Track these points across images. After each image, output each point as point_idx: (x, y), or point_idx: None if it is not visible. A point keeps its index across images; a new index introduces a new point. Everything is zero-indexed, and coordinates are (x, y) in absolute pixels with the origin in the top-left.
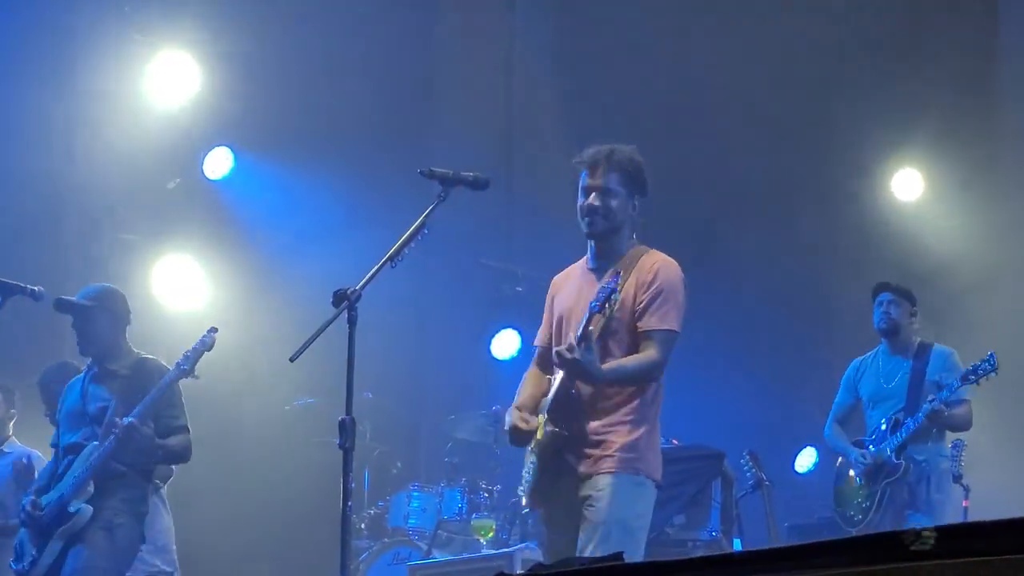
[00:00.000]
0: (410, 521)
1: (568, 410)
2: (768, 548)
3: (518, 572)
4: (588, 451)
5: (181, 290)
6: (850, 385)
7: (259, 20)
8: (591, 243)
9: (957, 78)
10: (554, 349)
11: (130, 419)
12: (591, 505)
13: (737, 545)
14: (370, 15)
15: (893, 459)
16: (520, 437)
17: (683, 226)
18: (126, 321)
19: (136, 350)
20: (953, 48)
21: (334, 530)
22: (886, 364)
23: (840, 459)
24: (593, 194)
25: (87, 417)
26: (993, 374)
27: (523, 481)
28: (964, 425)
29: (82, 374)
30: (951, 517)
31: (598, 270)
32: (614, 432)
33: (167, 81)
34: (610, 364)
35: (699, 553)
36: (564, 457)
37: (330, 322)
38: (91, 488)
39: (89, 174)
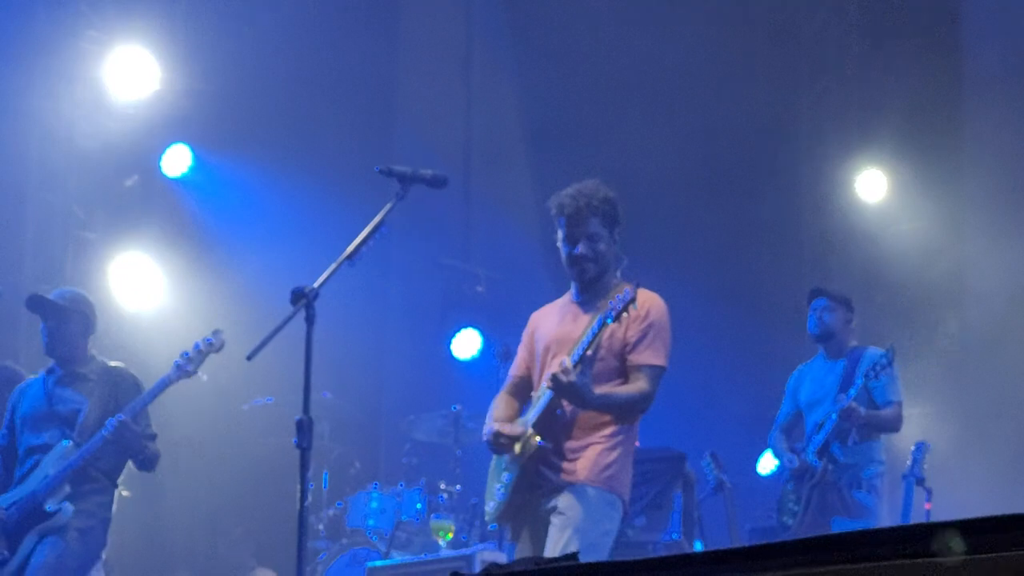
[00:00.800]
0: (369, 522)
1: (552, 429)
2: (726, 548)
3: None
4: (564, 464)
5: (139, 288)
6: (791, 392)
7: (217, 16)
8: (576, 283)
9: (921, 79)
10: (550, 370)
11: (122, 417)
12: (560, 514)
13: (698, 547)
14: (330, 13)
15: (815, 461)
16: (504, 443)
17: (644, 223)
18: (93, 329)
19: (100, 357)
20: (916, 48)
21: (291, 531)
22: (821, 369)
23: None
24: (580, 244)
25: (56, 418)
26: (889, 368)
27: (493, 498)
28: (891, 426)
29: (39, 377)
30: (880, 522)
31: (584, 303)
32: (591, 448)
33: (125, 77)
34: (602, 390)
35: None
36: (541, 471)
37: (288, 320)
38: (68, 488)
39: (46, 172)
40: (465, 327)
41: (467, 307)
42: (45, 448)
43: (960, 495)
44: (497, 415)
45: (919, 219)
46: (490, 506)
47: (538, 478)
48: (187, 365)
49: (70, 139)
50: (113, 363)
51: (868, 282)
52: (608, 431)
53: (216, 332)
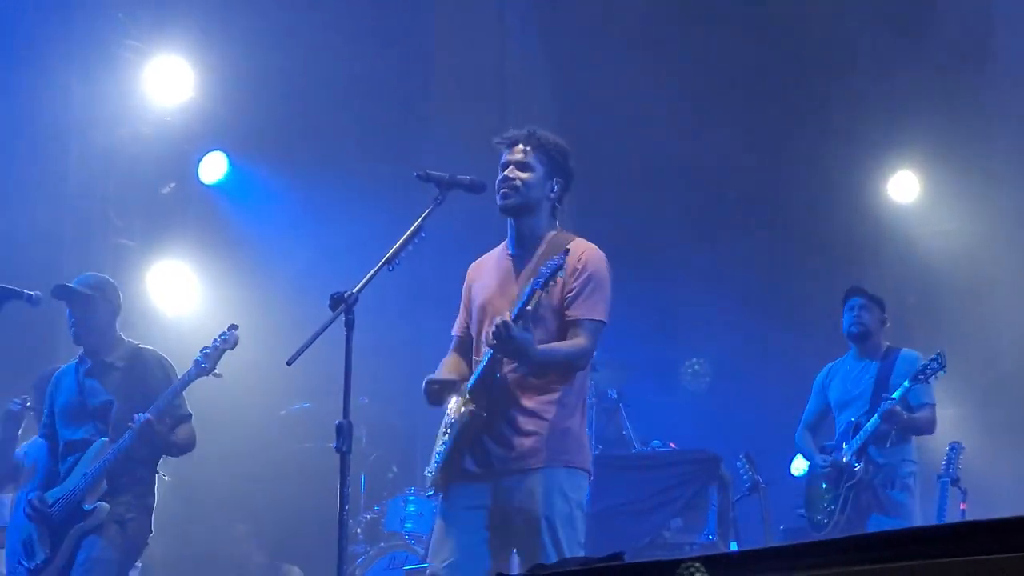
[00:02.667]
0: (406, 525)
1: (491, 392)
2: (761, 548)
3: (516, 573)
4: (515, 441)
5: (176, 295)
6: (820, 390)
7: (253, 25)
8: (510, 226)
9: (954, 80)
10: (490, 324)
11: (147, 416)
12: (527, 505)
13: (733, 548)
14: (365, 21)
15: (853, 462)
16: (435, 393)
17: (677, 226)
18: (118, 311)
19: (128, 339)
20: (949, 49)
21: (330, 535)
22: (854, 368)
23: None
24: (510, 167)
25: (88, 412)
26: (941, 372)
27: (432, 461)
28: (925, 429)
29: (72, 365)
30: (916, 520)
31: (518, 257)
32: (541, 422)
33: (162, 86)
34: (543, 346)
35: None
36: (485, 443)
37: (327, 326)
38: (105, 485)
39: (84, 179)
40: None
41: None
42: (83, 444)
43: (995, 495)
44: (441, 372)
45: (952, 221)
46: (428, 471)
47: (483, 450)
48: (204, 362)
49: (108, 147)
50: (143, 346)
51: (900, 284)
52: (555, 398)
53: (230, 328)
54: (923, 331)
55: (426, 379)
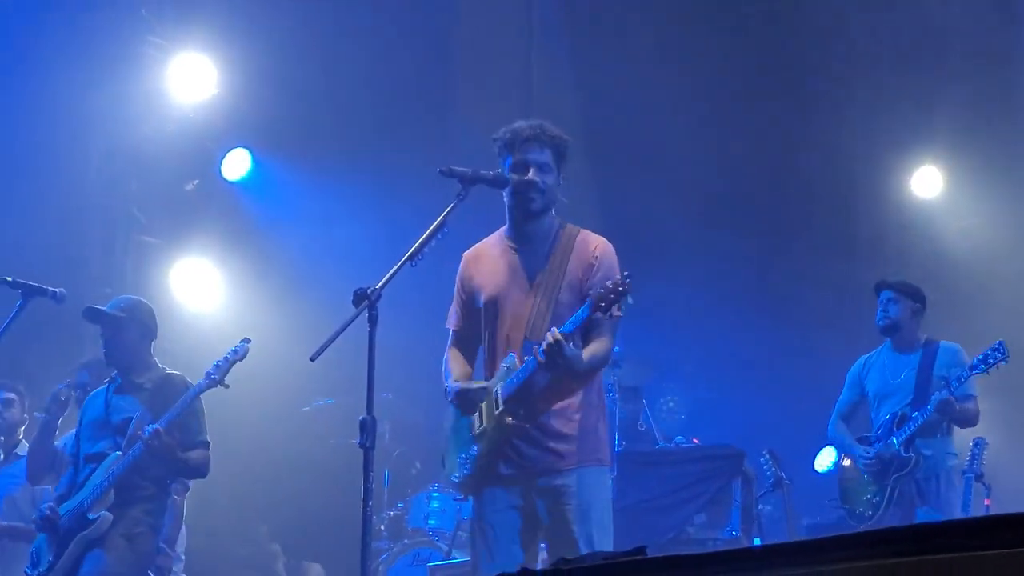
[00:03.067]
0: (430, 522)
1: (528, 399)
2: (785, 542)
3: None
4: (548, 443)
5: (200, 291)
6: (855, 382)
7: (275, 22)
8: (513, 220)
9: (977, 74)
10: (544, 344)
11: (156, 426)
12: (565, 504)
13: (757, 544)
14: (388, 17)
15: (902, 452)
16: (469, 401)
17: (702, 223)
18: (153, 335)
19: (162, 365)
20: (973, 44)
21: (353, 531)
22: (892, 360)
23: (844, 456)
24: (532, 169)
25: (110, 428)
26: (1004, 362)
27: (458, 469)
28: (972, 420)
29: (104, 386)
30: (959, 513)
31: (525, 251)
32: (571, 423)
33: (185, 83)
34: (585, 357)
35: None
36: (517, 447)
37: (350, 322)
38: (112, 497)
39: (108, 177)
40: None
41: None
42: (99, 457)
43: (1020, 491)
44: (456, 374)
45: (976, 215)
46: (454, 476)
47: (518, 455)
48: (215, 374)
49: (131, 144)
50: (172, 372)
51: (924, 279)
52: (582, 398)
53: (242, 341)
54: (948, 326)
55: (458, 389)
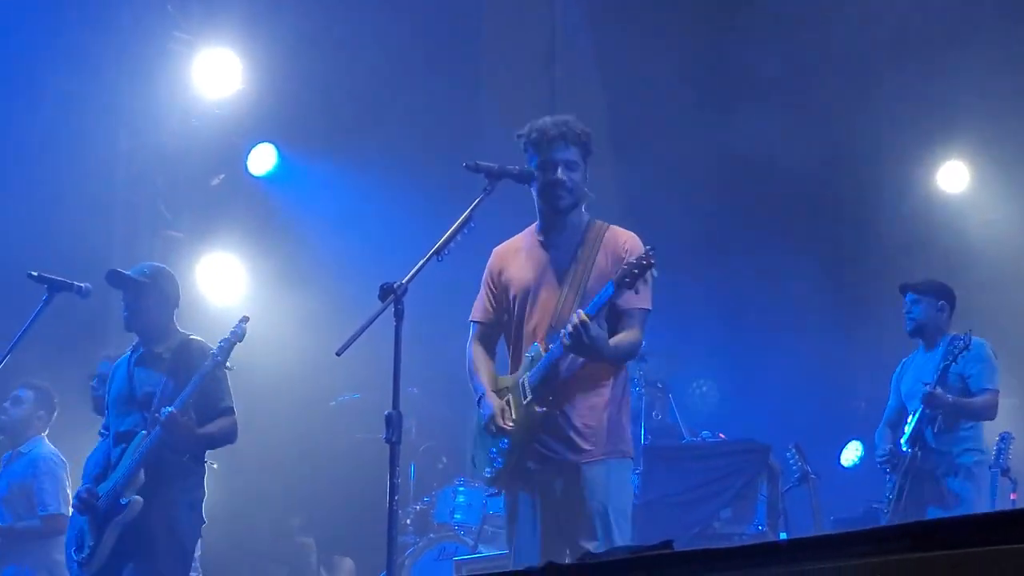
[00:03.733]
0: (456, 516)
1: (553, 389)
2: (809, 536)
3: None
4: (573, 436)
5: (225, 286)
6: (895, 387)
7: (300, 16)
8: (543, 216)
9: (1004, 69)
10: (570, 326)
11: (170, 409)
12: (589, 496)
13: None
14: (413, 11)
15: (903, 448)
16: (500, 432)
17: (728, 216)
18: (175, 303)
19: (182, 331)
20: (997, 38)
21: (381, 525)
22: (922, 360)
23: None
24: (560, 168)
25: (135, 403)
26: (966, 352)
27: (490, 463)
28: (981, 414)
29: (125, 356)
30: (981, 509)
31: (554, 246)
32: (596, 416)
33: (211, 78)
34: (612, 341)
35: None
36: (544, 440)
37: (376, 316)
38: (142, 478)
39: (134, 172)
40: None
41: None
42: (128, 436)
43: None
44: (485, 379)
45: (1001, 210)
46: (487, 472)
47: (544, 448)
48: (219, 355)
49: (157, 139)
50: (193, 337)
51: (949, 274)
52: (608, 389)
53: (240, 321)
54: (971, 321)
55: (489, 415)
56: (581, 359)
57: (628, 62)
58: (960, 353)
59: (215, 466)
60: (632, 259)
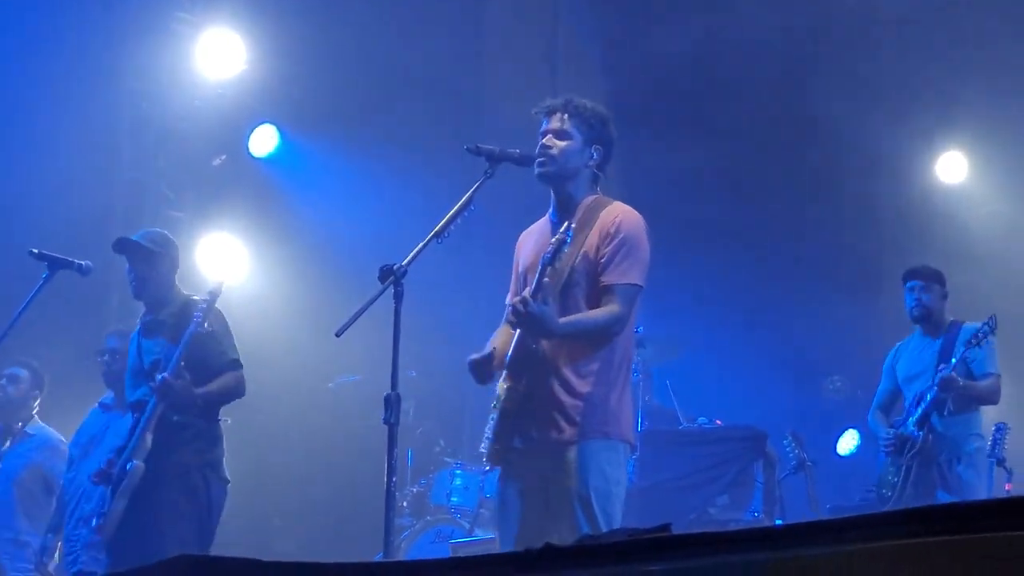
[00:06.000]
0: (452, 499)
1: (528, 366)
2: (805, 521)
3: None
4: (554, 416)
5: (226, 266)
6: (889, 371)
7: None
8: (552, 195)
9: (1003, 60)
10: (509, 305)
11: (162, 376)
12: (570, 477)
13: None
14: None
15: (914, 432)
16: (478, 370)
17: (723, 204)
18: (178, 264)
19: (186, 292)
20: (996, 31)
21: (376, 507)
22: (919, 345)
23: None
24: (547, 136)
25: (143, 373)
26: (992, 336)
27: (484, 438)
28: (987, 397)
29: (137, 328)
30: (982, 497)
31: (557, 225)
32: (580, 396)
33: (213, 59)
34: (567, 318)
35: None
36: (526, 419)
37: (376, 297)
38: (149, 443)
39: (136, 152)
40: None
41: None
42: (140, 405)
43: None
44: (490, 347)
45: (1000, 201)
46: (482, 447)
47: (526, 426)
48: (200, 317)
49: (159, 119)
50: (192, 297)
51: (947, 263)
52: (593, 370)
53: (217, 284)
54: (970, 310)
55: (469, 359)
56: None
57: (630, 46)
58: (986, 336)
59: (228, 421)
60: (559, 233)
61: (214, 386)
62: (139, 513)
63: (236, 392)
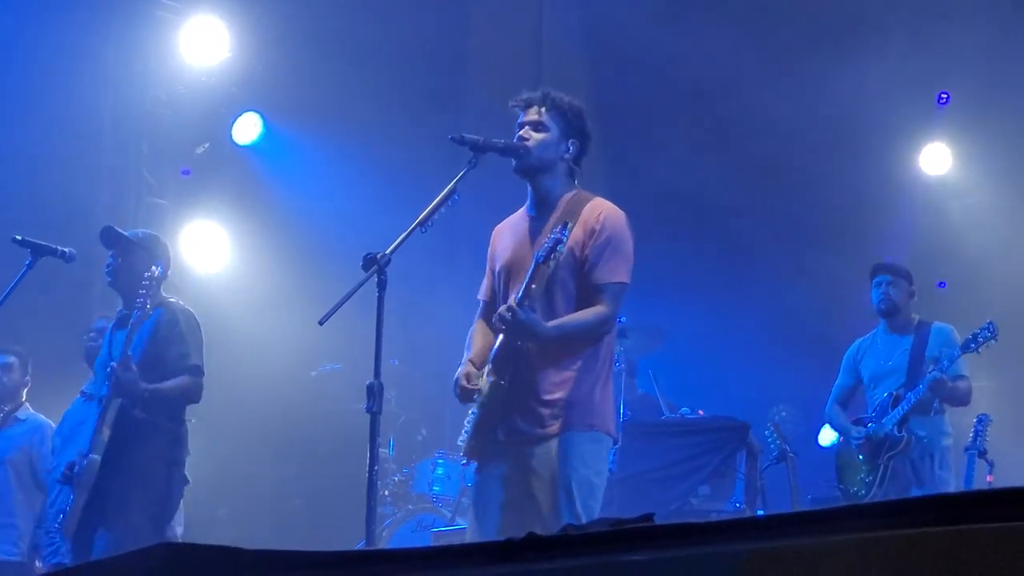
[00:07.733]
0: (434, 488)
1: (512, 362)
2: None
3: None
4: (538, 410)
5: (209, 254)
6: (850, 366)
7: None
8: (529, 188)
9: (988, 51)
10: (496, 313)
11: (112, 364)
12: (549, 468)
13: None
14: None
15: (895, 432)
16: (464, 394)
17: (708, 200)
18: (163, 271)
19: (172, 299)
20: (983, 23)
21: (358, 496)
22: (885, 343)
23: (840, 437)
24: (524, 128)
25: (108, 366)
26: (993, 341)
27: (463, 432)
28: (964, 399)
29: (113, 320)
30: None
31: (537, 218)
32: (563, 390)
33: (197, 46)
34: (556, 322)
35: None
36: (509, 413)
37: (360, 286)
38: (105, 437)
39: (119, 139)
40: None
41: None
42: (103, 399)
43: (1022, 467)
44: (473, 353)
45: (983, 193)
46: (460, 440)
47: (509, 420)
48: (142, 300)
49: (143, 107)
50: (171, 300)
51: (930, 255)
52: (577, 364)
53: (155, 264)
54: (954, 303)
55: (456, 381)
56: None
57: (615, 37)
58: (985, 343)
59: (193, 421)
60: (552, 233)
61: (169, 384)
62: (95, 508)
63: (189, 396)
